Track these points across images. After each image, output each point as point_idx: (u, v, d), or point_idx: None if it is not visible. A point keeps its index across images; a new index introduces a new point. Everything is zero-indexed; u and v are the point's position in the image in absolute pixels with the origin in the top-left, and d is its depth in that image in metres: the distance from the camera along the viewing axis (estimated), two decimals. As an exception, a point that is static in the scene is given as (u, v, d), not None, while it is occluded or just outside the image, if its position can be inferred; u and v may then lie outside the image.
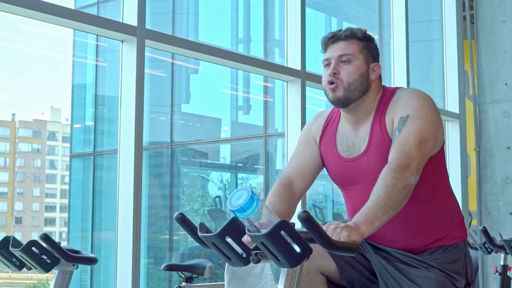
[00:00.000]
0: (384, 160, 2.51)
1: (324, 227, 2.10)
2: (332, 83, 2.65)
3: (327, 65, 2.69)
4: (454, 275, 2.64)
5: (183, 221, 2.20)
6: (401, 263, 2.65)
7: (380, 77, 2.76)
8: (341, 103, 2.66)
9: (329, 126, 2.81)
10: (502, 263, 4.89)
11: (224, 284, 2.79)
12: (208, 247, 2.08)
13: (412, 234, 2.67)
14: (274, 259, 1.93)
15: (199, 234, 2.07)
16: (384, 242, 2.69)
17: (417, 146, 2.48)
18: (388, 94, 2.71)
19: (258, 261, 1.98)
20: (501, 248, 4.81)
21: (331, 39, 2.70)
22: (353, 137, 2.71)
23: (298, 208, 4.88)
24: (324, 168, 2.85)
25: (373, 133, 2.65)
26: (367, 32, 2.74)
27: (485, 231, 4.85)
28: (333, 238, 2.09)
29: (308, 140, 2.85)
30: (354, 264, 2.72)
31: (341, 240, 2.10)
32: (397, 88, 2.76)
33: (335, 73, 2.65)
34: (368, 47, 2.71)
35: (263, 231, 1.90)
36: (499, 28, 6.83)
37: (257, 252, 1.99)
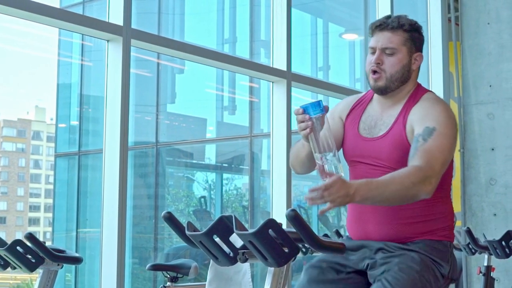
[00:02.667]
0: (394, 150, 2.69)
1: (327, 183, 2.33)
2: (375, 72, 2.77)
3: (372, 52, 2.80)
4: (439, 260, 2.70)
5: (171, 220, 2.20)
6: (384, 251, 2.71)
7: (419, 67, 2.87)
8: (381, 91, 2.80)
9: (358, 106, 2.93)
10: (485, 264, 4.92)
11: (209, 284, 2.80)
12: (195, 246, 2.08)
13: (402, 225, 2.73)
14: (262, 258, 1.93)
15: (187, 232, 2.08)
16: (370, 229, 2.76)
17: (441, 166, 2.61)
18: (420, 92, 2.83)
19: (245, 260, 1.99)
20: (484, 249, 4.83)
21: (379, 27, 2.81)
22: (378, 119, 2.83)
23: (284, 209, 4.88)
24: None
25: (395, 123, 2.77)
26: (414, 22, 2.84)
27: (469, 232, 4.88)
28: (326, 198, 2.32)
29: (333, 115, 2.95)
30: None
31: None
32: (429, 90, 2.87)
33: (379, 63, 2.77)
34: (413, 38, 2.81)
35: (251, 230, 1.90)
36: (484, 30, 6.87)
37: (244, 251, 2.00)
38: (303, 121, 2.57)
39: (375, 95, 2.90)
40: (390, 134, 2.76)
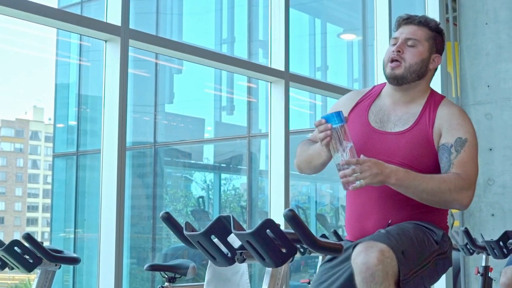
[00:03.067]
0: (415, 148, 2.73)
1: (361, 158, 2.49)
2: (394, 60, 2.81)
3: (394, 44, 2.85)
4: (432, 227, 2.75)
5: (169, 220, 2.20)
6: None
7: (435, 70, 2.92)
8: (396, 81, 2.82)
9: (365, 100, 2.95)
10: (483, 264, 4.92)
11: (207, 284, 2.80)
12: (193, 246, 2.08)
13: (402, 221, 2.75)
14: (259, 258, 1.93)
15: (185, 232, 2.08)
16: (370, 226, 2.77)
17: (476, 176, 2.72)
18: (438, 97, 2.88)
19: (243, 261, 1.99)
20: (482, 249, 4.83)
21: (406, 20, 2.88)
22: (391, 114, 2.85)
23: (282, 209, 4.87)
24: None
25: (419, 122, 2.79)
26: (440, 25, 2.91)
27: (466, 232, 4.87)
28: (357, 174, 2.47)
29: (336, 109, 2.96)
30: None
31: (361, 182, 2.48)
32: (444, 96, 2.93)
33: (399, 51, 2.81)
34: (435, 38, 2.88)
35: (249, 230, 1.91)
36: (482, 31, 6.87)
37: (242, 252, 2.00)
38: (325, 131, 2.59)
39: (385, 90, 2.91)
40: (412, 132, 2.78)
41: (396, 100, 2.86)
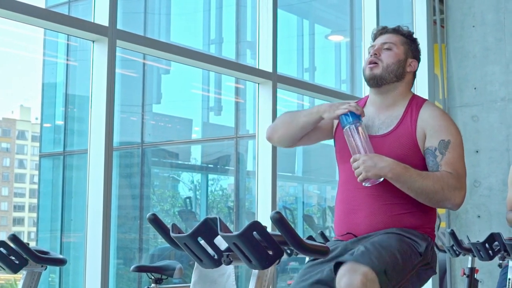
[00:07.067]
0: (398, 148, 2.78)
1: (356, 156, 2.66)
2: (372, 62, 2.92)
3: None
4: (415, 238, 2.78)
5: (156, 222, 2.20)
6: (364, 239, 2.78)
7: (414, 75, 3.03)
8: (376, 81, 2.90)
9: None
10: (469, 266, 4.93)
11: (193, 286, 2.79)
12: (180, 248, 2.08)
13: (391, 217, 2.80)
14: (246, 260, 1.93)
15: (172, 234, 2.08)
16: (360, 220, 2.82)
17: (465, 173, 2.80)
18: (420, 100, 2.96)
19: (229, 263, 1.99)
20: (468, 251, 4.84)
21: (381, 30, 3.03)
22: (375, 119, 2.92)
23: (269, 210, 4.89)
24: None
25: (401, 123, 2.86)
26: (413, 34, 3.04)
27: (453, 234, 4.89)
28: (356, 169, 2.64)
29: None
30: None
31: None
32: (426, 99, 3.01)
33: (376, 54, 2.92)
34: (410, 44, 2.99)
35: (235, 232, 1.91)
36: (469, 33, 6.90)
37: (228, 254, 2.00)
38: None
39: (369, 99, 2.99)
40: (395, 133, 2.84)
41: (379, 105, 2.94)
